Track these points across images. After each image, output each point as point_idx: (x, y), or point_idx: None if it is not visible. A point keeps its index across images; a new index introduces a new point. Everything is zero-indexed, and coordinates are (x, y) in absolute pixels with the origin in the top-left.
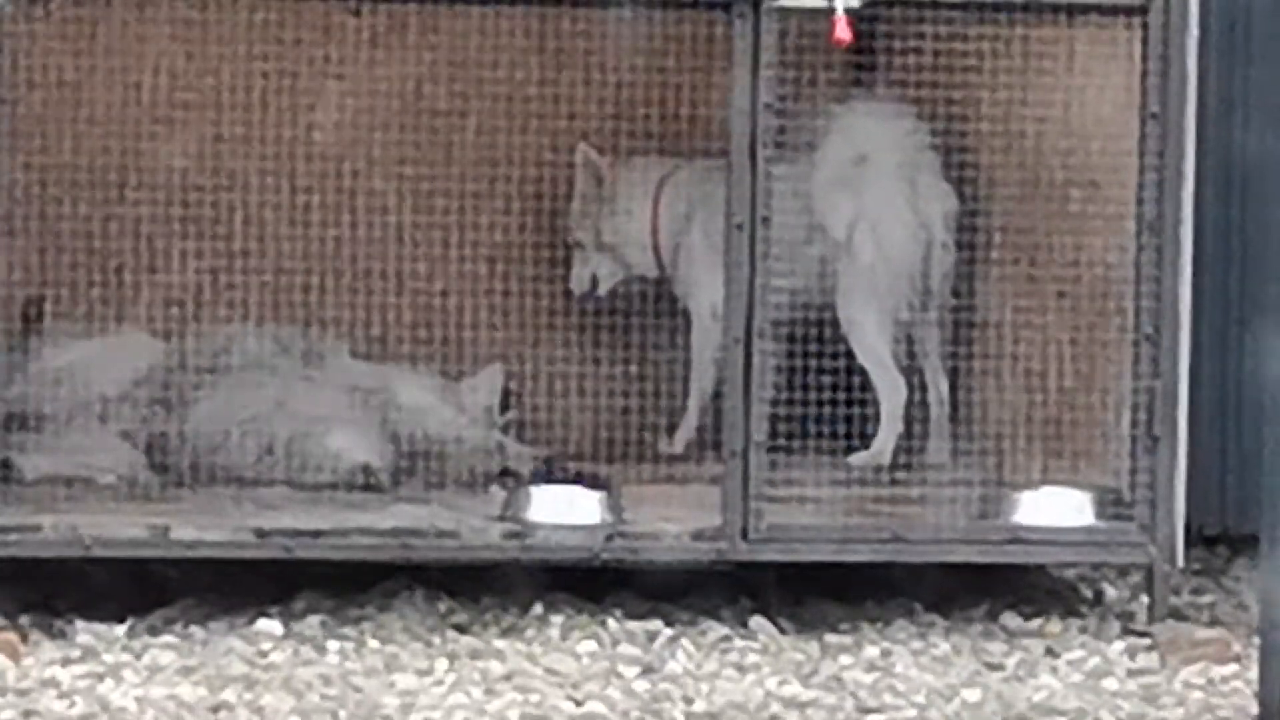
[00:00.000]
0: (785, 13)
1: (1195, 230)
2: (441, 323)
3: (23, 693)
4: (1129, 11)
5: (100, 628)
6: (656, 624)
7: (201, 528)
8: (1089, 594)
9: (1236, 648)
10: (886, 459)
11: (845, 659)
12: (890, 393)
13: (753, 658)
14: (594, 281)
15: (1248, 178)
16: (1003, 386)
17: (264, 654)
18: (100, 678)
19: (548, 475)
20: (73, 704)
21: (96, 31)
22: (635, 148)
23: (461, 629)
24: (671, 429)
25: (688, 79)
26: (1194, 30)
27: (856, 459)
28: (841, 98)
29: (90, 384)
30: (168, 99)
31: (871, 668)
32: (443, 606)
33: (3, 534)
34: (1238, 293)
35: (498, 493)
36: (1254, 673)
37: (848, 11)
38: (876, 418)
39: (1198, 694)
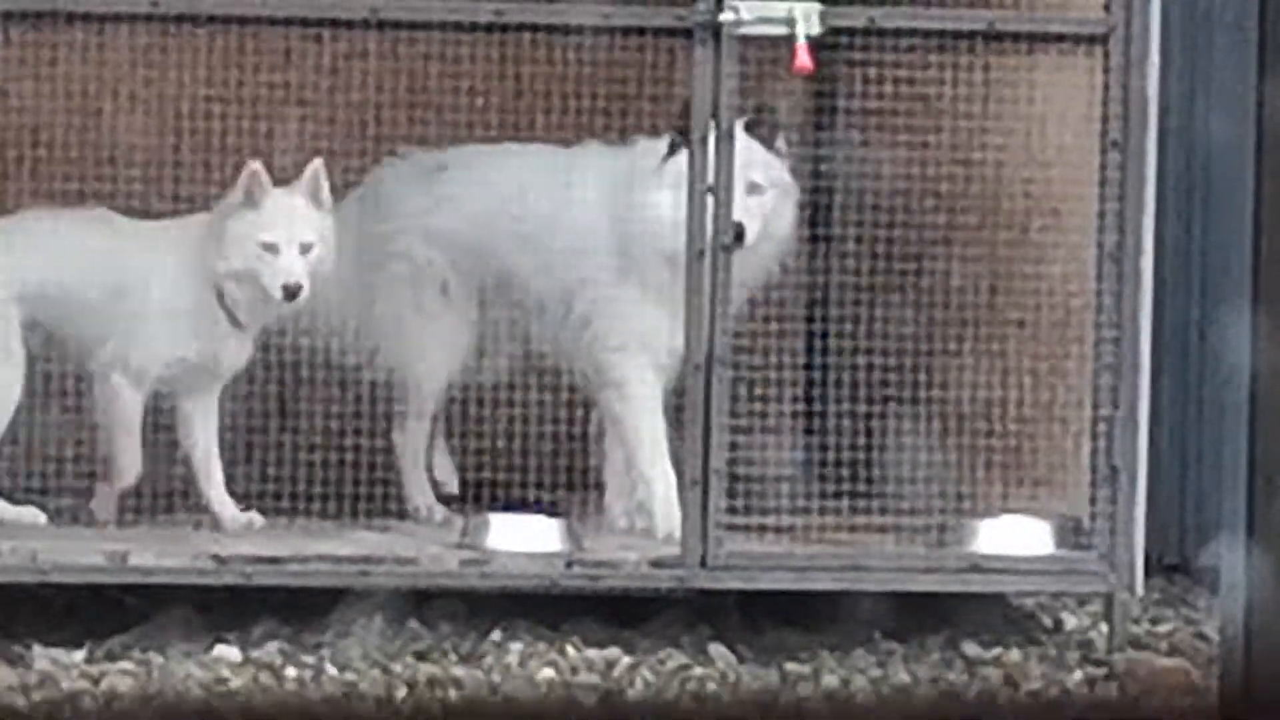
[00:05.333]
0: (746, 40)
1: (1156, 258)
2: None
3: None
4: (1089, 40)
5: (59, 653)
6: (615, 652)
7: (160, 554)
8: (1048, 623)
9: (1196, 677)
10: None
11: (804, 688)
12: None
13: (711, 686)
14: None
15: (1209, 204)
16: (962, 415)
17: (222, 681)
18: (58, 704)
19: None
20: None
21: (56, 57)
22: None
23: (420, 656)
24: None
25: (648, 106)
26: (1155, 58)
27: None
28: None
29: None
30: (127, 124)
31: (831, 697)
32: (401, 634)
33: None
34: (1198, 320)
35: (457, 520)
36: (1214, 699)
37: (809, 39)
38: None
39: None
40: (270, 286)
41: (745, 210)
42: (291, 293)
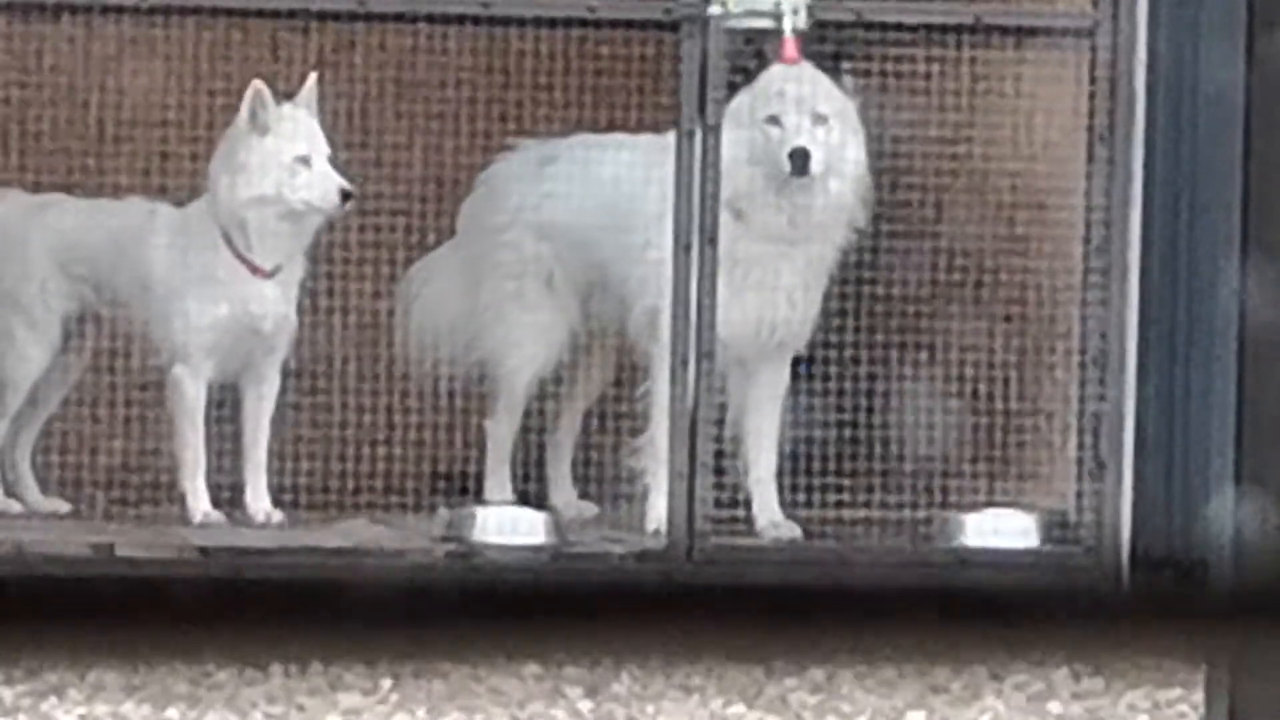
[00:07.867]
0: (733, 34)
1: (1142, 252)
2: (386, 343)
3: None
4: (1077, 33)
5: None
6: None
7: (146, 546)
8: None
9: (1181, 672)
10: None
11: (790, 680)
12: None
13: (697, 679)
14: None
15: (1196, 200)
16: (948, 408)
17: (208, 673)
18: (44, 695)
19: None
20: None
21: (44, 48)
22: None
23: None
24: None
25: (635, 99)
26: (1142, 51)
27: None
28: None
29: None
30: (115, 116)
31: (816, 689)
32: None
33: None
34: (1185, 314)
35: (443, 513)
36: (1198, 696)
37: (796, 33)
38: None
39: (1142, 717)
40: (314, 200)
41: (810, 138)
42: (348, 195)
